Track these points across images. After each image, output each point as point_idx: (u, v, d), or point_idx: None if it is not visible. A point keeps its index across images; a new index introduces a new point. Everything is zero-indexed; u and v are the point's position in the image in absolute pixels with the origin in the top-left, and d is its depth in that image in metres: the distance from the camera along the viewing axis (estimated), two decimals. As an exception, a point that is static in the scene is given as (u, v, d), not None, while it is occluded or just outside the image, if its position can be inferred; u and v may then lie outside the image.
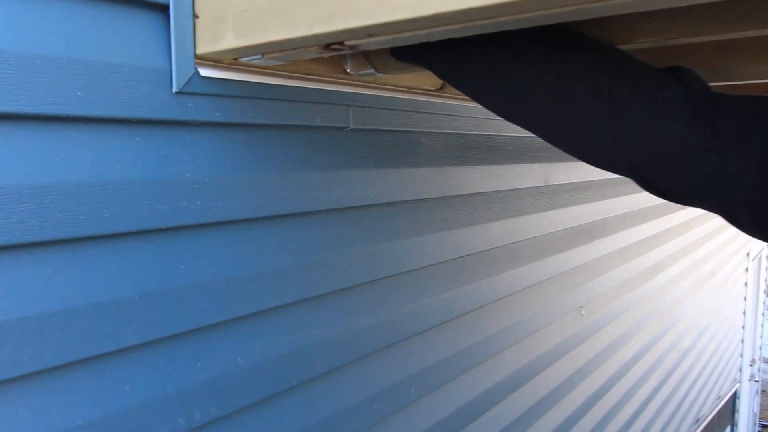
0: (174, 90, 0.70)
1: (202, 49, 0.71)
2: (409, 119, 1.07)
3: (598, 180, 1.91)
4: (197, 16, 0.71)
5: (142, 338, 0.69)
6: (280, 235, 0.85)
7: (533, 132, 0.72)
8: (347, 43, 0.63)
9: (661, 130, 0.57)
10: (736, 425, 5.36)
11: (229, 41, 0.67)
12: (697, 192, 0.57)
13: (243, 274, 0.80)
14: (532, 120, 0.70)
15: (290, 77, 0.84)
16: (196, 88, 0.72)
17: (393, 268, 1.07)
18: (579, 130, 0.64)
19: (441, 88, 1.12)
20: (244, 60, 0.74)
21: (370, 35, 0.59)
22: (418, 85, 1.07)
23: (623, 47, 0.70)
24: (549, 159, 1.60)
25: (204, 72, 0.72)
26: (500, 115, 0.74)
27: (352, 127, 0.95)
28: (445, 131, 1.18)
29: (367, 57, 0.89)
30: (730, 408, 5.17)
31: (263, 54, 0.71)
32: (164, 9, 0.69)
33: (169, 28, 0.69)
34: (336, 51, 0.66)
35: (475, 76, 0.72)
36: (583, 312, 1.90)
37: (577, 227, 1.81)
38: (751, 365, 5.75)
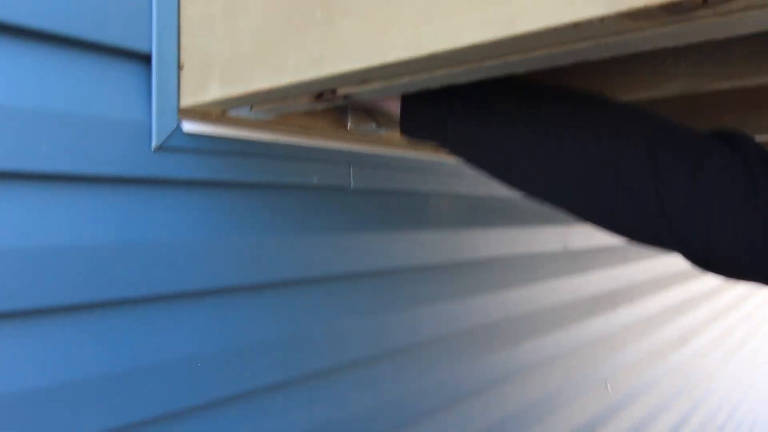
0: (153, 145, 0.64)
1: (186, 102, 0.65)
2: (416, 180, 1.01)
3: (619, 245, 1.82)
4: (182, 67, 0.66)
5: (102, 425, 0.60)
6: (273, 305, 0.77)
7: (568, 209, 0.63)
8: (340, 91, 0.57)
9: (716, 203, 0.50)
10: None
11: (214, 92, 0.61)
12: (763, 269, 0.49)
13: (229, 350, 0.71)
14: (568, 197, 0.61)
15: (284, 133, 0.78)
16: (178, 144, 0.66)
17: (399, 341, 0.97)
18: (622, 204, 0.56)
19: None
20: (232, 113, 0.68)
21: (363, 81, 0.53)
22: (425, 144, 1.01)
23: (645, 94, 0.64)
24: (567, 222, 1.51)
25: (188, 127, 0.67)
26: (530, 193, 0.65)
27: (353, 187, 0.88)
28: (456, 193, 1.11)
29: (368, 112, 0.83)
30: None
31: (251, 106, 0.65)
32: (146, 59, 0.64)
33: (151, 79, 0.64)
34: (328, 102, 0.60)
35: (496, 149, 0.63)
36: (609, 387, 1.76)
37: (599, 294, 1.70)
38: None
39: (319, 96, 0.58)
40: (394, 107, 0.69)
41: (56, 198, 0.58)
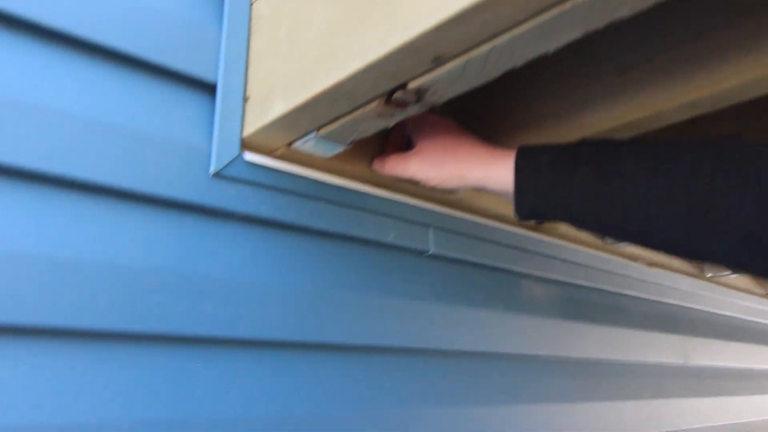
0: (212, 171, 0.59)
1: (249, 130, 0.61)
2: (504, 255, 0.89)
3: (755, 369, 1.53)
4: (247, 99, 0.63)
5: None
6: (330, 370, 0.65)
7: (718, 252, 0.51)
8: (411, 86, 0.50)
9: None
10: None
11: (278, 108, 0.57)
12: None
13: (277, 415, 0.59)
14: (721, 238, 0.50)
15: (356, 180, 0.71)
16: (239, 173, 0.61)
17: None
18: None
19: (540, 222, 0.95)
20: (298, 146, 0.63)
21: (436, 59, 0.46)
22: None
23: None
24: (686, 331, 1.30)
25: (249, 157, 0.62)
26: (674, 244, 0.53)
27: (432, 251, 0.78)
28: (552, 278, 0.98)
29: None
30: None
31: (317, 130, 0.59)
32: (212, 88, 0.61)
33: (214, 107, 0.61)
34: (401, 108, 0.54)
35: (634, 203, 0.52)
36: None
37: (735, 426, 1.40)
38: None
39: (389, 99, 0.52)
40: (505, 181, 0.60)
41: (95, 210, 0.52)
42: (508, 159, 0.59)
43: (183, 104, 0.60)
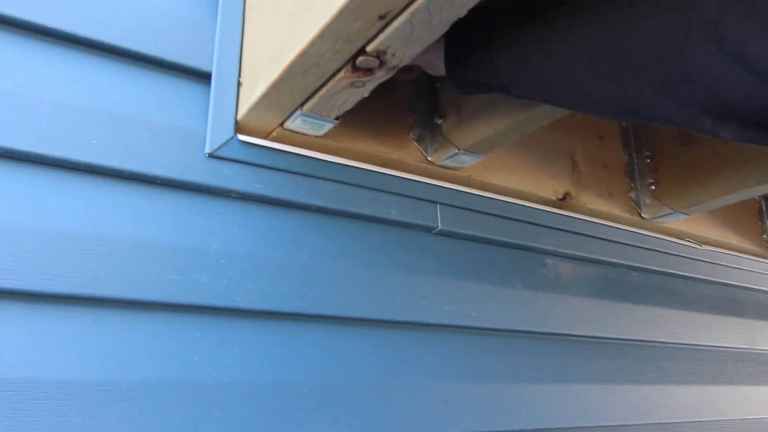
0: (206, 152, 0.63)
1: (242, 114, 0.65)
2: (524, 231, 0.88)
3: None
4: (241, 84, 0.67)
5: (117, 442, 0.52)
6: (332, 341, 0.66)
7: (664, 104, 0.45)
8: (369, 48, 0.52)
9: None
10: None
11: (260, 89, 0.60)
12: None
13: (276, 382, 0.61)
14: (666, 82, 0.44)
15: (359, 160, 0.73)
16: (233, 154, 0.64)
17: (504, 423, 0.78)
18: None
19: (564, 198, 0.93)
20: (289, 125, 0.66)
21: (381, 17, 0.47)
22: (532, 191, 0.89)
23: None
24: (751, 314, 1.21)
25: (243, 138, 0.65)
26: (608, 97, 0.49)
27: (440, 228, 0.78)
28: (582, 255, 0.95)
29: (443, 132, 0.77)
30: None
31: (301, 105, 0.62)
32: (207, 76, 0.66)
33: (209, 93, 0.65)
34: (367, 74, 0.55)
35: (563, 57, 0.50)
36: None
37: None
38: None
39: (355, 66, 0.54)
40: (439, 63, 0.63)
41: (97, 190, 0.57)
42: None
43: (180, 92, 0.64)
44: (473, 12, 0.47)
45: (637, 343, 0.99)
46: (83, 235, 0.55)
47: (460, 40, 0.60)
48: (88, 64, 0.60)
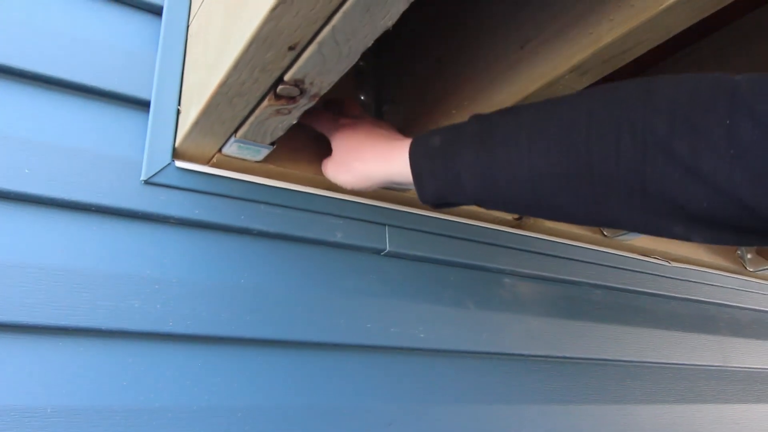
0: (142, 178, 0.63)
1: (179, 141, 0.65)
2: (478, 251, 0.88)
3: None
4: (180, 111, 0.67)
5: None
6: (270, 365, 0.67)
7: (618, 212, 0.47)
8: (287, 77, 0.52)
9: None
10: None
11: (192, 115, 0.61)
12: None
13: (210, 406, 0.61)
14: (624, 190, 0.45)
15: (303, 183, 0.74)
16: (170, 180, 0.65)
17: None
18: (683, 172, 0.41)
19: (520, 218, 0.93)
20: (226, 150, 0.67)
21: (291, 47, 0.48)
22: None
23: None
24: (724, 331, 1.20)
25: (180, 164, 0.66)
26: (574, 206, 0.49)
27: (388, 249, 0.79)
28: (540, 274, 0.95)
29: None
30: None
31: (234, 132, 0.63)
32: (147, 104, 0.67)
33: (148, 120, 0.66)
34: (290, 101, 0.56)
35: (523, 169, 0.49)
36: None
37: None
38: None
39: (276, 92, 0.55)
40: (406, 173, 0.59)
41: (31, 218, 0.58)
42: (405, 150, 0.58)
43: (118, 120, 0.65)
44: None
45: (600, 362, 0.98)
46: (11, 264, 0.56)
47: (428, 166, 0.57)
48: (24, 95, 0.61)
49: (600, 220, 0.50)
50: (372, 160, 0.62)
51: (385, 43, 0.61)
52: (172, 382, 0.60)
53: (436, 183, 0.56)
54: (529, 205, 0.52)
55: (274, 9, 0.44)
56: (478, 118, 0.54)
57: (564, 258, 0.98)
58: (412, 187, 0.59)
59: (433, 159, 0.56)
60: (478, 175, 0.52)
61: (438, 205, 0.60)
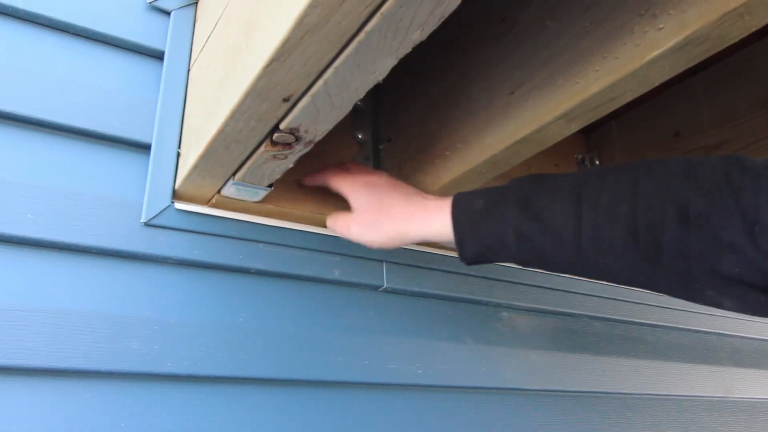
0: (142, 220, 0.65)
1: (180, 183, 0.67)
2: (475, 286, 0.88)
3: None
4: (180, 154, 0.69)
5: None
6: (267, 403, 0.67)
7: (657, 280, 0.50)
8: (282, 126, 0.54)
9: None
10: None
11: (191, 159, 0.63)
12: None
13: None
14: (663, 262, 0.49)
15: (301, 222, 0.75)
16: (170, 222, 0.66)
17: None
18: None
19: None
20: (224, 192, 0.68)
21: (285, 99, 0.50)
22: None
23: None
24: (728, 362, 1.19)
25: (180, 206, 0.67)
26: (617, 271, 0.52)
27: (386, 286, 0.79)
28: (540, 308, 0.95)
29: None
30: None
31: (232, 175, 0.64)
32: (148, 147, 0.68)
33: (148, 163, 0.67)
34: (286, 147, 0.58)
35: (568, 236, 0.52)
36: None
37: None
38: None
39: (272, 139, 0.56)
40: (445, 233, 0.61)
41: (34, 263, 0.59)
42: (444, 211, 0.60)
43: (119, 164, 0.67)
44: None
45: (600, 394, 0.98)
46: (11, 307, 0.57)
47: (471, 229, 0.59)
48: (26, 140, 0.63)
49: (641, 285, 0.52)
50: (406, 222, 0.62)
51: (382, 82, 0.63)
52: (171, 422, 0.61)
53: (478, 245, 0.58)
54: (573, 264, 0.53)
55: (268, 65, 0.45)
56: (519, 182, 0.56)
57: (561, 290, 0.98)
58: (450, 245, 0.61)
59: (476, 222, 0.57)
60: (524, 239, 0.54)
61: (475, 263, 0.61)
